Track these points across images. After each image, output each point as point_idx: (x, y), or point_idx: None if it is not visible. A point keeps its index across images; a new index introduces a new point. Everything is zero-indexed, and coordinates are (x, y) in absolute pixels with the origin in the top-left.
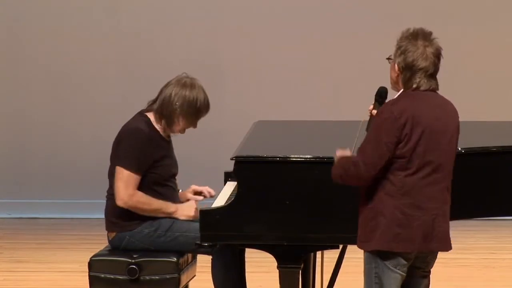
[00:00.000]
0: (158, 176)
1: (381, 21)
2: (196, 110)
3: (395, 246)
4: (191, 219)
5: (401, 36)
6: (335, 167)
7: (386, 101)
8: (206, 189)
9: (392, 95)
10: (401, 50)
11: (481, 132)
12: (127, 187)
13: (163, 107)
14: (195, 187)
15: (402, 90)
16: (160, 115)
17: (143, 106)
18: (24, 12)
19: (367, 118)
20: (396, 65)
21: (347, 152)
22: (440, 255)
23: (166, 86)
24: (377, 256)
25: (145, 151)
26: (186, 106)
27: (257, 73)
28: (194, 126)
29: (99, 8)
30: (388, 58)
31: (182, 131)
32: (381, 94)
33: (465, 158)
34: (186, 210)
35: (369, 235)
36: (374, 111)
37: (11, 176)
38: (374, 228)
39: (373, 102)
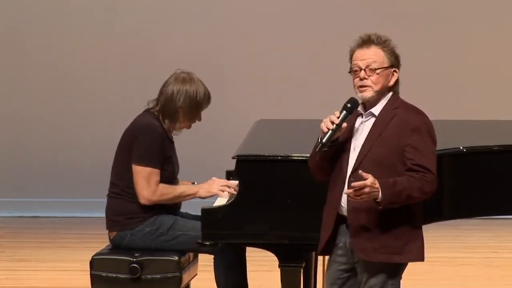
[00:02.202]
0: (167, 174)
1: (381, 21)
2: (198, 103)
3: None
4: (213, 194)
5: (389, 40)
6: (398, 194)
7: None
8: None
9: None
10: (397, 56)
11: (482, 131)
12: (149, 185)
13: (166, 106)
14: (215, 179)
15: (391, 94)
16: (163, 115)
17: (144, 105)
18: (24, 12)
19: None
20: (397, 72)
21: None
22: (442, 254)
23: (165, 85)
24: (398, 268)
25: (162, 147)
26: (188, 101)
27: (258, 73)
28: (199, 119)
29: (99, 8)
30: (392, 66)
31: (189, 126)
32: (354, 104)
33: (467, 157)
34: (207, 187)
35: (403, 247)
36: (342, 123)
37: (13, 175)
38: (410, 239)
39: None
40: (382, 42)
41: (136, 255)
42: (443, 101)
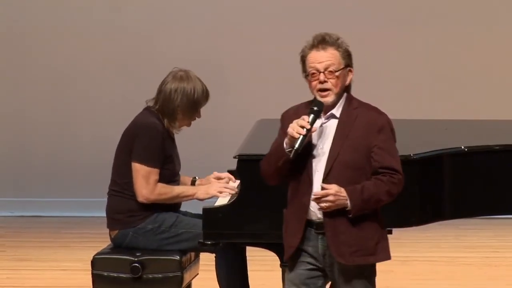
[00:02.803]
0: (168, 172)
1: (382, 21)
2: (196, 100)
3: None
4: (211, 196)
5: (342, 39)
6: (368, 200)
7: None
8: (227, 175)
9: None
10: (350, 53)
11: (483, 131)
12: (148, 183)
13: (165, 105)
14: (217, 174)
15: (346, 93)
16: (162, 114)
17: (144, 105)
18: (24, 12)
19: None
20: (352, 71)
21: (335, 187)
22: (443, 254)
23: (163, 84)
24: (373, 268)
25: (162, 145)
26: (186, 99)
27: (259, 72)
28: (198, 116)
29: (100, 7)
30: (348, 66)
31: (188, 124)
32: (320, 106)
33: (468, 156)
34: (206, 188)
35: (375, 247)
36: (312, 127)
37: (14, 175)
38: (380, 239)
39: (310, 115)
40: (336, 43)
41: (138, 254)
42: (444, 101)
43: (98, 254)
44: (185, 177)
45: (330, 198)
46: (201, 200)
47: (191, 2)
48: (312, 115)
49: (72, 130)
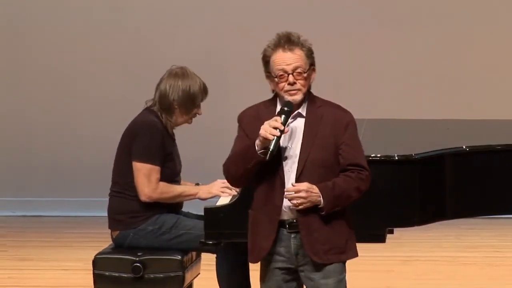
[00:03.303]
0: (169, 171)
1: (382, 21)
2: (192, 95)
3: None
4: (213, 196)
5: (304, 37)
6: (341, 196)
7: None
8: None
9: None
10: (313, 51)
11: (485, 130)
12: (150, 181)
13: (161, 102)
14: (220, 181)
15: (309, 93)
16: (160, 111)
17: (145, 105)
18: (24, 12)
19: (367, 116)
20: (315, 70)
21: (306, 185)
22: (444, 253)
23: (160, 82)
24: (344, 266)
25: (162, 143)
26: (181, 94)
27: (261, 72)
28: (199, 112)
29: (101, 7)
30: (313, 65)
31: (189, 120)
32: (291, 106)
33: (470, 156)
34: (208, 188)
35: (346, 245)
36: (285, 127)
37: (15, 175)
38: (349, 237)
39: (281, 116)
40: (300, 42)
41: (139, 254)
42: (445, 100)
43: (99, 254)
44: (187, 182)
45: (303, 194)
46: (203, 199)
47: (191, 2)
48: (283, 116)
49: (73, 129)
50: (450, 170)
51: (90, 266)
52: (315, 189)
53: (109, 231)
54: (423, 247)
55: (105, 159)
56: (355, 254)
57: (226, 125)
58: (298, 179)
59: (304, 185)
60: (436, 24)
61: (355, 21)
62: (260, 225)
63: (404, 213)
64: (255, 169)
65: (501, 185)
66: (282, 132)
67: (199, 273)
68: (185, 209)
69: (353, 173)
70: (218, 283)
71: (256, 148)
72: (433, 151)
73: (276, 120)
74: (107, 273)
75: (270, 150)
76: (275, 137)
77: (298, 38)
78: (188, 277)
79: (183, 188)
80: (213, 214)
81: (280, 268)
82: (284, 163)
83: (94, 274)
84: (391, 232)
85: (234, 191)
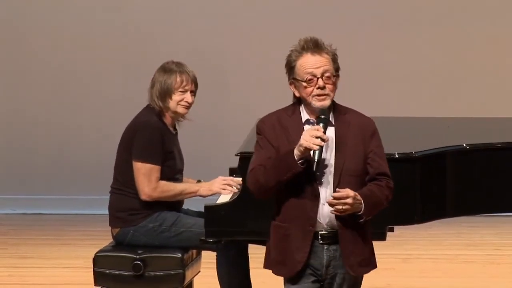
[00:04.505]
0: (168, 169)
1: (382, 20)
2: (168, 70)
3: None
4: (214, 193)
5: (330, 44)
6: (370, 207)
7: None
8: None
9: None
10: (337, 59)
11: (485, 128)
12: (150, 181)
13: (152, 94)
14: (222, 178)
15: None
16: (156, 103)
17: (146, 103)
18: (25, 10)
19: (367, 114)
20: (339, 76)
21: (348, 192)
22: (445, 251)
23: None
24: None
25: (161, 142)
26: (160, 72)
27: (261, 70)
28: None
29: (102, 5)
30: (337, 71)
31: (189, 100)
32: (326, 113)
33: (470, 154)
34: (208, 185)
35: (371, 257)
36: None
37: (16, 173)
38: (372, 249)
39: (319, 125)
40: (327, 47)
41: (139, 252)
42: (446, 98)
43: (100, 251)
44: (189, 179)
45: (349, 200)
46: (204, 197)
47: (191, 0)
48: (322, 124)
49: (75, 128)
50: (450, 168)
51: (90, 264)
52: (358, 196)
53: (110, 229)
54: (423, 245)
55: (106, 157)
56: (375, 266)
57: (227, 122)
58: (336, 190)
59: (351, 192)
60: (436, 22)
61: (355, 20)
62: (291, 237)
63: (404, 211)
64: (286, 180)
65: (502, 183)
66: (324, 141)
67: (199, 271)
68: (185, 206)
69: (383, 182)
70: (219, 281)
71: (295, 158)
72: (434, 149)
73: (317, 130)
74: (107, 271)
75: (316, 160)
76: (319, 147)
77: (324, 44)
78: (188, 275)
79: (183, 186)
80: (213, 212)
81: (309, 275)
82: (317, 174)
83: (94, 272)
84: (392, 230)
85: (235, 189)
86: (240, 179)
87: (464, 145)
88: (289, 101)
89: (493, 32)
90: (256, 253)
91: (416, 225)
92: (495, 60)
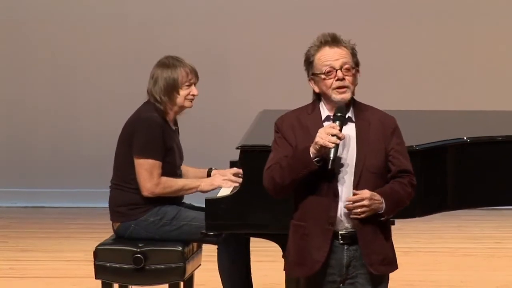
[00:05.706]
0: (169, 165)
1: (383, 20)
2: (170, 65)
3: None
4: (216, 187)
5: (349, 40)
6: (393, 205)
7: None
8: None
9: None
10: (356, 54)
11: (486, 122)
12: (151, 177)
13: (156, 92)
14: (236, 169)
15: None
16: (159, 101)
17: (147, 97)
18: (27, 4)
19: None
20: (359, 71)
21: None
22: (446, 244)
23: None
24: (388, 277)
25: (162, 138)
26: (161, 69)
27: (262, 63)
28: (192, 92)
29: (102, 1)
30: (357, 65)
31: (195, 93)
32: (343, 110)
33: (471, 147)
34: (210, 179)
35: (393, 256)
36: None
37: (16, 166)
38: (393, 248)
39: (335, 122)
40: (345, 41)
41: (140, 245)
42: (447, 92)
43: (100, 244)
44: (198, 169)
45: (366, 202)
46: (206, 192)
47: None
48: (338, 122)
49: (75, 120)
50: (451, 162)
51: (91, 257)
52: (376, 196)
53: (111, 222)
54: (424, 238)
55: (106, 150)
56: (396, 266)
57: (227, 116)
58: (356, 188)
59: (367, 193)
60: (437, 17)
61: (357, 15)
62: (310, 236)
63: None
64: (302, 179)
65: (503, 176)
66: (340, 139)
67: (200, 264)
68: (186, 200)
69: (405, 179)
70: (220, 274)
71: (311, 156)
72: (435, 142)
73: (333, 127)
74: (108, 264)
75: (331, 158)
76: (335, 145)
77: (341, 37)
78: (189, 268)
79: (185, 181)
80: (214, 205)
81: (328, 281)
82: (336, 172)
83: (95, 265)
84: (393, 223)
85: (236, 183)
86: (241, 170)
87: (465, 138)
88: (290, 93)
89: (496, 26)
90: (257, 247)
91: (417, 218)
92: (497, 54)
